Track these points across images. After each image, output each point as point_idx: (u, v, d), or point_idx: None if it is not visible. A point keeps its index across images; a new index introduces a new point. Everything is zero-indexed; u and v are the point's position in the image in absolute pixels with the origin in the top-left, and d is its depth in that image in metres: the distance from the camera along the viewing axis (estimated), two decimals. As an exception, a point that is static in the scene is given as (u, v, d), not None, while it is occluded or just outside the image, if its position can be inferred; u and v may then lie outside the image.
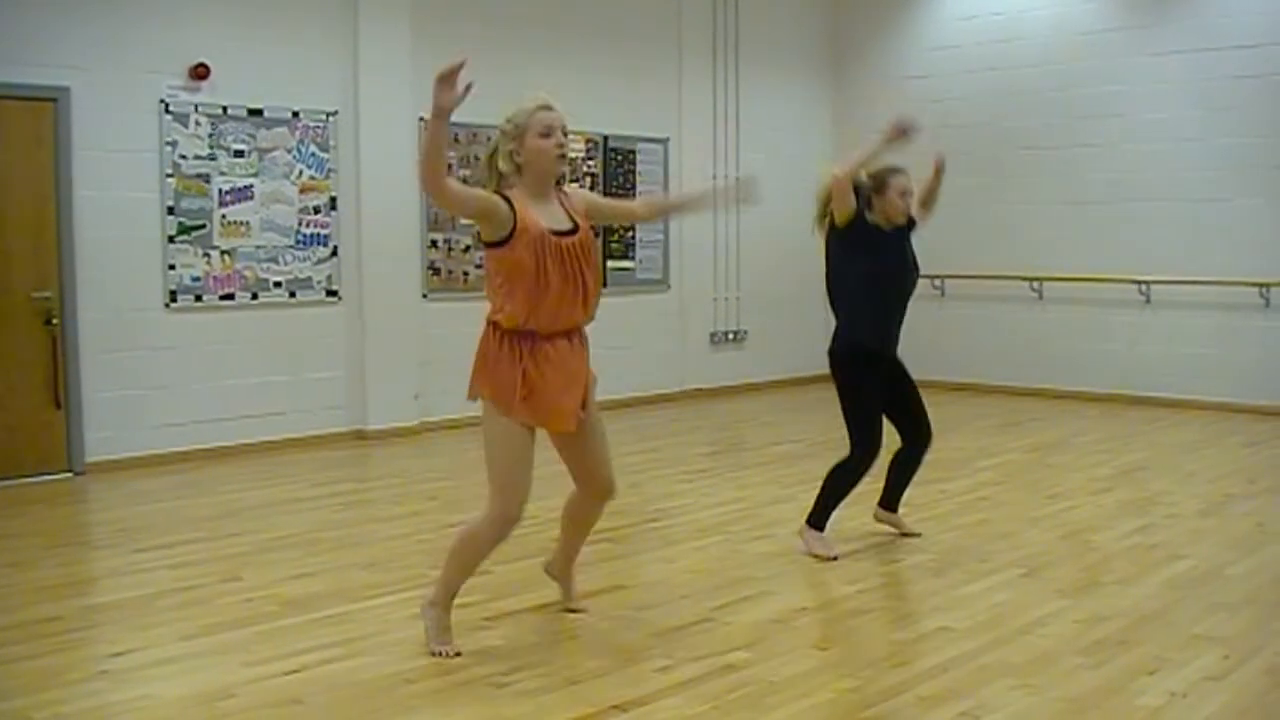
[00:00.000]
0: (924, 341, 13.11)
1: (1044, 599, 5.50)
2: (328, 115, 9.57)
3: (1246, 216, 11.11)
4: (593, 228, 4.80)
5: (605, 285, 11.47)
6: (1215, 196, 11.29)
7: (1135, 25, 11.75)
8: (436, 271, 10.36)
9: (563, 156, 4.69)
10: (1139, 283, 11.71)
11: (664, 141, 12.16)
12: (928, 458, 6.60)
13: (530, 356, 4.51)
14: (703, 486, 8.06)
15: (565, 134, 4.70)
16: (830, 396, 6.21)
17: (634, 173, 11.91)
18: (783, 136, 13.42)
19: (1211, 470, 8.50)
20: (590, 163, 11.48)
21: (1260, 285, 11.06)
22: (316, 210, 9.56)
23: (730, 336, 13.00)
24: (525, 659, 4.63)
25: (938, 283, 13.03)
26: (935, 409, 7.07)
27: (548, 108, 4.71)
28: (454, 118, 4.18)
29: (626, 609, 5.31)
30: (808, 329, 13.64)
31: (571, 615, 5.18)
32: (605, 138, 11.58)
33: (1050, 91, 12.31)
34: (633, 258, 12.00)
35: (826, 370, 6.21)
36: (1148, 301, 11.78)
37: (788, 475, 8.38)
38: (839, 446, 6.28)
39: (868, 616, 5.22)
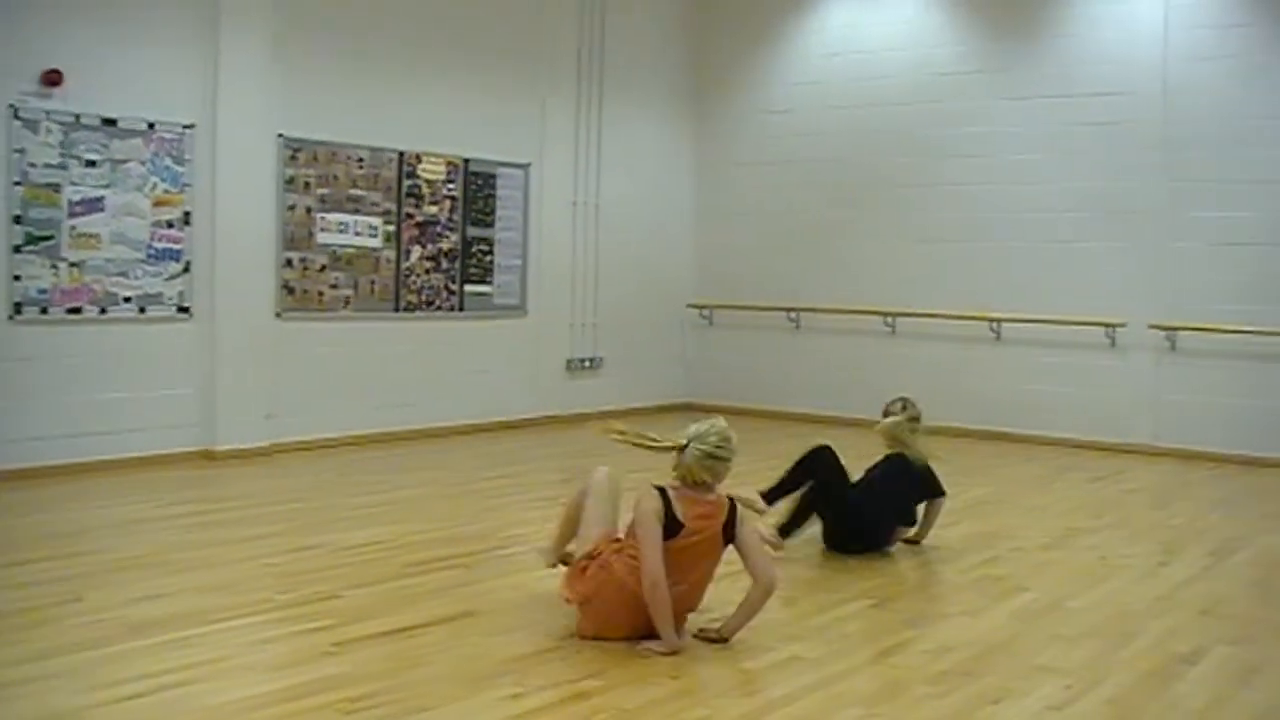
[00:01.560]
0: (779, 373, 13.45)
1: (892, 629, 5.59)
2: (184, 128, 9.34)
3: (1096, 258, 11.45)
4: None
5: (462, 309, 11.58)
6: (1066, 238, 11.63)
7: (995, 69, 12.08)
8: (291, 290, 10.16)
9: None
10: (990, 320, 11.96)
11: (525, 167, 12.11)
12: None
13: None
14: (555, 513, 7.80)
15: None
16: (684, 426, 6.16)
17: (494, 197, 11.84)
18: (645, 164, 13.50)
19: (1057, 505, 8.69)
20: (450, 186, 11.38)
21: (1106, 325, 11.37)
22: (170, 224, 9.31)
23: (587, 363, 12.95)
24: (375, 685, 4.53)
25: (793, 315, 13.29)
26: (789, 441, 7.12)
27: None
28: (313, 135, 4.12)
29: (477, 635, 5.25)
30: (664, 357, 13.73)
31: (422, 642, 5.09)
32: (466, 161, 11.50)
33: (908, 130, 12.54)
34: (491, 283, 11.90)
35: (682, 399, 6.27)
36: (998, 339, 12.03)
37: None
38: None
39: (719, 645, 5.19)
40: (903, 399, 7.43)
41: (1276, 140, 10.72)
